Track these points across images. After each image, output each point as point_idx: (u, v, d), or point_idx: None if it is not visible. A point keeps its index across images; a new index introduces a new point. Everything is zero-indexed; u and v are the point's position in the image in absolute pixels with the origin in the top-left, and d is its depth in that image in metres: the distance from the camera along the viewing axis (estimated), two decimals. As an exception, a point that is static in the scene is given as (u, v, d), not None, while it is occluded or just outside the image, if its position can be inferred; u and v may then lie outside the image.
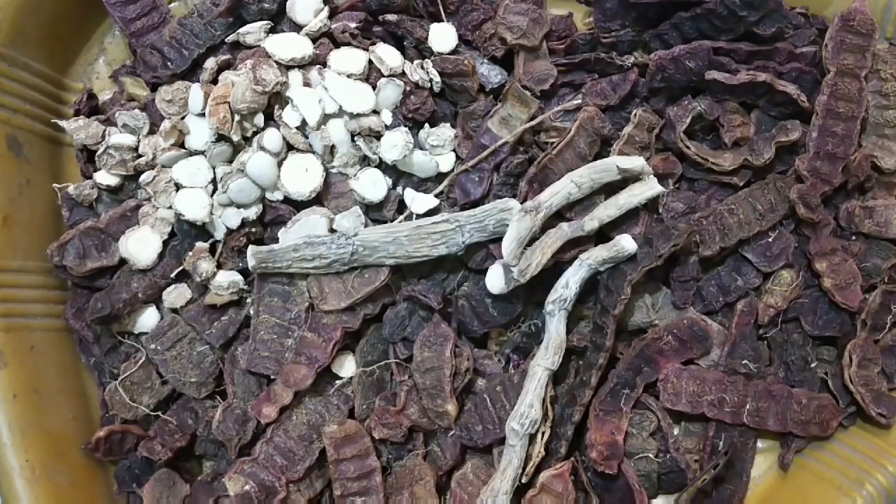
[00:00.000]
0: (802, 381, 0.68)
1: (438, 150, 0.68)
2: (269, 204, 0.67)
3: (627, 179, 0.66)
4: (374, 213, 0.68)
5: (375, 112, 0.67)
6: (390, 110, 0.67)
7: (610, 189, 0.66)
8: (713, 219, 0.68)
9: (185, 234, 0.67)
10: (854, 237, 0.70)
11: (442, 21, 0.71)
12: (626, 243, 0.63)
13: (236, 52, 0.70)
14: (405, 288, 0.67)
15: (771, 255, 0.68)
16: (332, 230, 0.66)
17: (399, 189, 0.68)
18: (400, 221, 0.67)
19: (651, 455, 0.66)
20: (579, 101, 0.69)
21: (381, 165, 0.68)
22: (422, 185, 0.69)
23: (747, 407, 0.66)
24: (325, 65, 0.67)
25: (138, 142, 0.69)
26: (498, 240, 0.64)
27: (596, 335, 0.65)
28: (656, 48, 0.70)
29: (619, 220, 0.66)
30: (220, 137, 0.66)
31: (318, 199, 0.67)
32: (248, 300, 0.68)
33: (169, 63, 0.70)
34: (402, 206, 0.68)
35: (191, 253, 0.66)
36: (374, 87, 0.66)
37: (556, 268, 0.64)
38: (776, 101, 0.68)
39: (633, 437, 0.66)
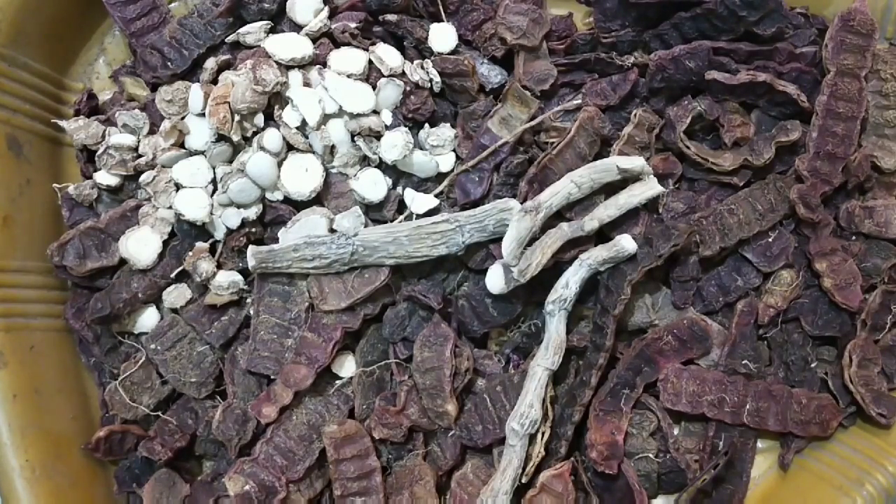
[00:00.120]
0: (802, 381, 0.68)
1: (438, 150, 0.68)
2: (269, 204, 0.67)
3: (627, 179, 0.66)
4: (374, 213, 0.68)
5: (375, 112, 0.67)
6: (390, 110, 0.67)
7: (610, 189, 0.66)
8: (713, 219, 0.68)
9: (185, 234, 0.67)
10: (854, 237, 0.70)
11: (442, 21, 0.71)
12: (626, 243, 0.63)
13: (236, 52, 0.70)
14: (405, 288, 0.67)
15: (771, 255, 0.68)
16: (332, 230, 0.66)
17: (399, 189, 0.68)
18: (400, 221, 0.67)
19: (651, 455, 0.66)
20: (579, 101, 0.69)
21: (381, 165, 0.68)
22: (422, 185, 0.69)
23: (747, 407, 0.66)
24: (325, 65, 0.67)
25: (138, 142, 0.69)
26: (498, 240, 0.64)
27: (596, 335, 0.65)
28: (656, 48, 0.70)
29: (619, 220, 0.66)
30: (220, 137, 0.66)
31: (318, 199, 0.67)
32: (248, 300, 0.68)
33: (169, 63, 0.70)
34: (402, 206, 0.68)
35: (191, 253, 0.66)
36: (374, 87, 0.66)
37: (556, 268, 0.64)
38: (776, 101, 0.68)
39: (633, 437, 0.66)
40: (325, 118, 0.66)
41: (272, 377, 0.66)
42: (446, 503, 0.66)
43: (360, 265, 0.65)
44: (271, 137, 0.65)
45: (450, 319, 0.66)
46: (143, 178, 0.67)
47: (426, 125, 0.69)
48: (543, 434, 0.63)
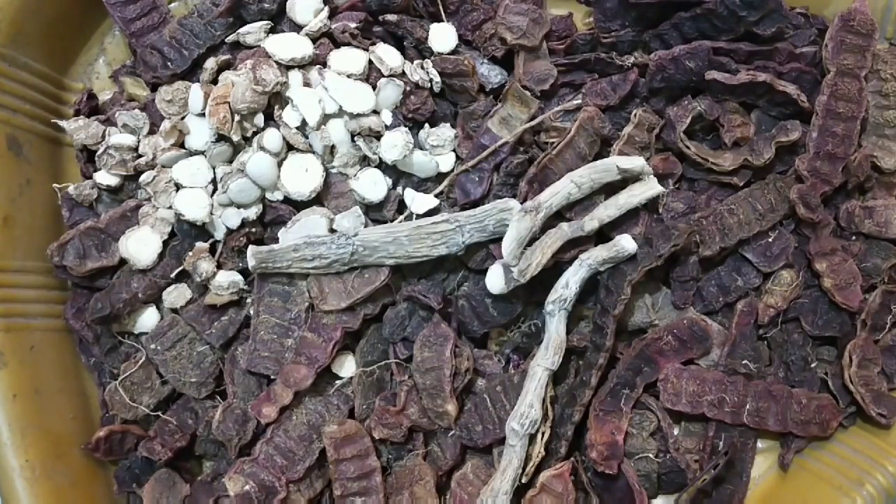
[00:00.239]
0: (802, 381, 0.68)
1: (438, 150, 0.68)
2: (269, 204, 0.67)
3: (627, 179, 0.66)
4: (374, 213, 0.68)
5: (375, 112, 0.67)
6: (390, 110, 0.67)
7: (610, 189, 0.66)
8: (713, 219, 0.68)
9: (185, 234, 0.67)
10: (854, 237, 0.70)
11: (442, 21, 0.71)
12: (626, 243, 0.63)
13: (236, 52, 0.70)
14: (405, 288, 0.67)
15: (771, 255, 0.68)
16: (332, 230, 0.66)
17: (399, 189, 0.68)
18: (400, 221, 0.67)
19: (651, 455, 0.66)
20: (579, 101, 0.69)
21: (381, 165, 0.68)
22: (422, 185, 0.69)
23: (747, 407, 0.66)
24: (325, 65, 0.67)
25: (138, 142, 0.69)
26: (498, 240, 0.64)
27: (596, 335, 0.65)
28: (656, 48, 0.70)
29: (619, 220, 0.66)
30: (220, 137, 0.66)
31: (318, 199, 0.67)
32: (248, 300, 0.68)
33: (169, 63, 0.70)
34: (402, 206, 0.68)
35: (191, 253, 0.66)
36: (374, 87, 0.66)
37: (556, 268, 0.64)
38: (776, 101, 0.68)
39: (633, 437, 0.66)
40: (325, 118, 0.66)
41: (272, 377, 0.66)
42: (446, 503, 0.66)
43: (360, 265, 0.65)
44: (271, 137, 0.65)
45: (450, 319, 0.66)
46: (143, 178, 0.67)
47: (426, 125, 0.69)
48: (543, 434, 0.63)
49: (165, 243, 0.68)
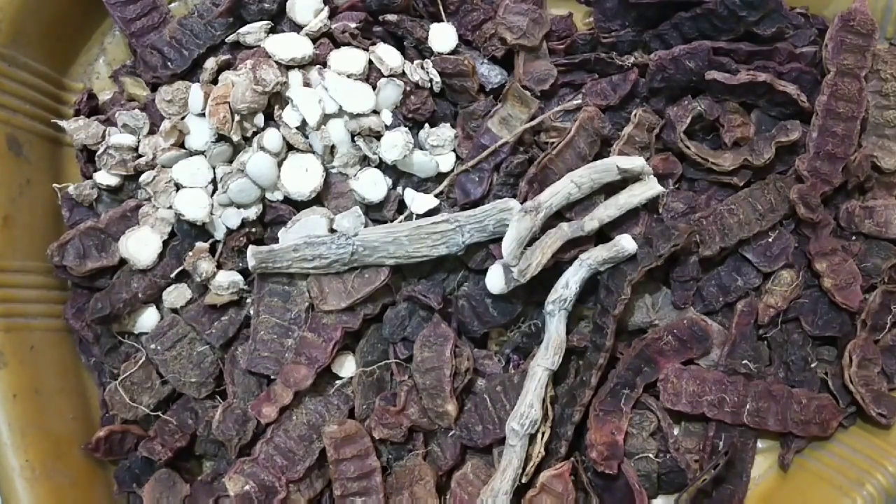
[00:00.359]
0: (802, 381, 0.68)
1: (438, 150, 0.68)
2: (269, 204, 0.67)
3: (627, 179, 0.66)
4: (374, 213, 0.68)
5: (375, 112, 0.67)
6: (390, 110, 0.67)
7: (610, 189, 0.66)
8: (713, 219, 0.68)
9: (185, 234, 0.67)
10: (854, 237, 0.70)
11: (442, 21, 0.71)
12: (626, 243, 0.63)
13: (236, 52, 0.70)
14: (405, 288, 0.67)
15: (771, 255, 0.68)
16: (332, 230, 0.66)
17: (399, 189, 0.68)
18: (400, 221, 0.67)
19: (651, 455, 0.66)
20: (579, 101, 0.69)
21: (381, 165, 0.68)
22: (422, 185, 0.69)
23: (747, 407, 0.66)
24: (325, 65, 0.67)
25: (138, 142, 0.69)
26: (498, 240, 0.64)
27: (596, 335, 0.65)
28: (656, 48, 0.70)
29: (619, 220, 0.66)
30: (220, 137, 0.66)
31: (318, 199, 0.67)
32: (248, 300, 0.68)
33: (169, 63, 0.70)
34: (402, 206, 0.68)
35: (191, 253, 0.66)
36: (374, 87, 0.66)
37: (556, 268, 0.64)
38: (776, 101, 0.68)
39: (633, 437, 0.66)
40: (325, 118, 0.66)
41: (272, 377, 0.66)
42: (446, 503, 0.66)
43: (360, 265, 0.65)
44: (271, 137, 0.65)
45: (450, 319, 0.66)
46: (143, 178, 0.67)
47: (426, 125, 0.69)
48: (543, 434, 0.63)
49: (165, 243, 0.68)
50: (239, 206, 0.66)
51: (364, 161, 0.68)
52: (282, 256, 0.64)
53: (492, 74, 0.70)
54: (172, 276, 0.67)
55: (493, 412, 0.65)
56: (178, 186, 0.67)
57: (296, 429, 0.64)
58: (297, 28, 0.69)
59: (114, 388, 0.66)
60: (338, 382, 0.67)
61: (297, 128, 0.66)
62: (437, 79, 0.68)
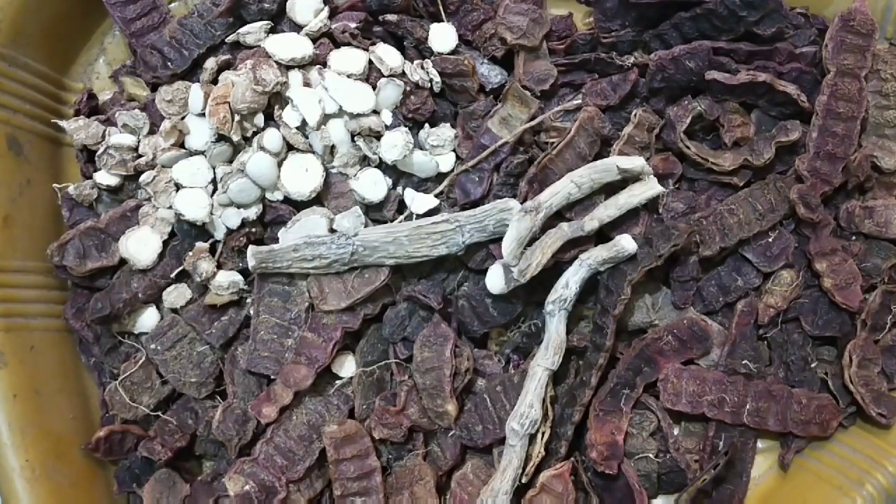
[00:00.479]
0: (802, 381, 0.68)
1: (438, 150, 0.68)
2: (269, 204, 0.67)
3: (627, 179, 0.66)
4: (374, 213, 0.68)
5: (375, 112, 0.67)
6: (390, 110, 0.67)
7: (610, 189, 0.66)
8: (713, 219, 0.68)
9: (185, 234, 0.67)
10: (854, 237, 0.70)
11: (442, 21, 0.71)
12: (626, 243, 0.63)
13: (236, 52, 0.70)
14: (405, 288, 0.67)
15: (771, 255, 0.68)
16: (332, 230, 0.66)
17: (399, 189, 0.68)
18: (400, 221, 0.67)
19: (651, 455, 0.66)
20: (579, 101, 0.69)
21: (381, 165, 0.68)
22: (422, 185, 0.69)
23: (747, 407, 0.66)
24: (325, 65, 0.67)
25: (138, 142, 0.69)
26: (498, 240, 0.64)
27: (596, 335, 0.65)
28: (656, 48, 0.70)
29: (619, 220, 0.66)
30: (220, 137, 0.66)
31: (318, 199, 0.67)
32: (248, 300, 0.68)
33: (169, 63, 0.70)
34: (402, 206, 0.68)
35: (191, 253, 0.66)
36: (374, 87, 0.66)
37: (556, 268, 0.64)
38: (776, 101, 0.68)
39: (633, 437, 0.66)
40: (325, 118, 0.66)
41: (272, 377, 0.66)
42: (446, 503, 0.66)
43: (360, 265, 0.65)
44: (271, 137, 0.65)
45: (450, 319, 0.66)
46: (143, 178, 0.67)
47: (426, 125, 0.69)
48: (543, 434, 0.63)
49: (165, 243, 0.68)
50: (239, 206, 0.66)
51: (364, 161, 0.68)
52: (282, 256, 0.64)
53: (492, 74, 0.70)
54: (172, 276, 0.67)
55: (493, 412, 0.65)
56: (178, 186, 0.67)
57: (296, 429, 0.64)
58: (297, 28, 0.69)
59: (114, 388, 0.66)
60: (338, 382, 0.67)
61: (297, 128, 0.66)
62: (437, 79, 0.68)
